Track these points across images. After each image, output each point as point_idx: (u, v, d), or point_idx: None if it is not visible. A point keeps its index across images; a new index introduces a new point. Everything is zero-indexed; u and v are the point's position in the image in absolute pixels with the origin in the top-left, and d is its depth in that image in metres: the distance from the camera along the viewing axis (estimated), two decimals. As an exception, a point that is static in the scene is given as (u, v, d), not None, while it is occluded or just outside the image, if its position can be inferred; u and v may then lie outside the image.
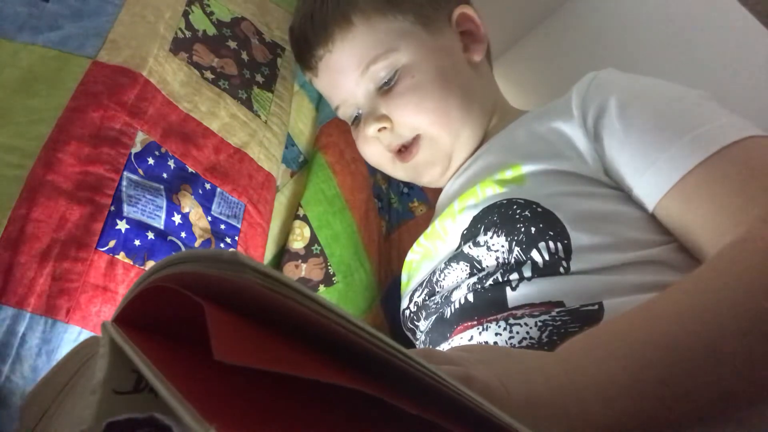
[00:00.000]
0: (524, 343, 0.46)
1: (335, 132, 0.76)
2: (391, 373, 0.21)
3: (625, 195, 0.52)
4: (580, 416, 0.33)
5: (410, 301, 0.64)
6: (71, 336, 0.45)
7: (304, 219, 0.70)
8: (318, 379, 0.19)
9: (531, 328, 0.46)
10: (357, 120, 0.70)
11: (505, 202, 0.54)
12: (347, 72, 0.66)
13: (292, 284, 0.19)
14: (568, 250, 0.49)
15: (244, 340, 0.20)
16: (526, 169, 0.56)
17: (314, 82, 0.73)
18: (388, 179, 0.80)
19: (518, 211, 0.53)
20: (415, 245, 0.66)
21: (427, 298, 0.61)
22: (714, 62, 0.77)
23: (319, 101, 0.80)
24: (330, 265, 0.69)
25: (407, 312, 0.64)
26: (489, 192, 0.57)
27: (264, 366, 0.18)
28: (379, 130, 0.66)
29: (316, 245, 0.69)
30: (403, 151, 0.67)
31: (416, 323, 0.62)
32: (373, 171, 0.78)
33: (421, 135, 0.66)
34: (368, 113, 0.67)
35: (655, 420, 0.33)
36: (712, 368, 0.34)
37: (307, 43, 0.69)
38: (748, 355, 0.34)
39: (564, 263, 0.49)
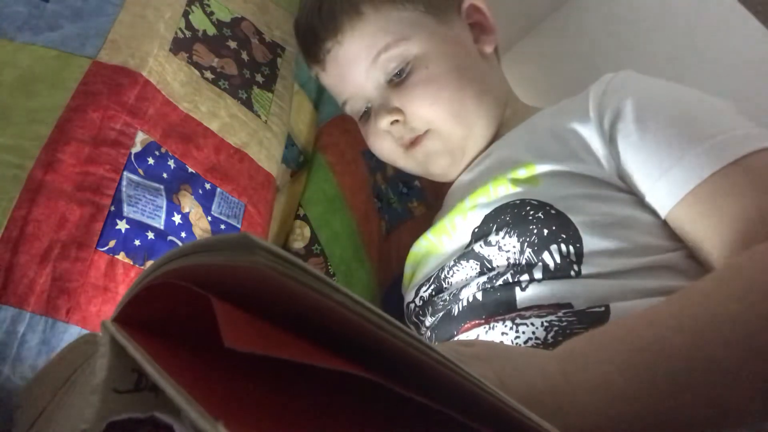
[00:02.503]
0: (530, 343, 0.46)
1: (335, 132, 0.76)
2: (395, 363, 0.21)
3: (639, 199, 0.52)
4: (576, 416, 0.33)
5: (416, 295, 0.63)
6: (71, 336, 0.45)
7: (304, 219, 0.70)
8: (323, 366, 0.19)
9: (537, 328, 0.46)
10: (366, 115, 0.69)
11: (518, 202, 0.54)
12: (357, 63, 0.65)
13: (304, 266, 0.18)
14: (579, 254, 0.49)
15: (252, 329, 0.20)
16: (540, 169, 0.55)
17: (321, 77, 0.72)
18: (388, 179, 0.80)
19: (531, 212, 0.53)
20: (421, 238, 0.66)
21: (434, 294, 0.60)
22: (714, 62, 0.77)
23: (319, 101, 0.80)
24: (330, 265, 0.69)
25: (412, 306, 0.64)
26: (502, 191, 0.56)
27: (275, 353, 0.18)
28: (392, 123, 0.64)
29: (316, 245, 0.69)
30: (413, 142, 0.66)
31: (421, 318, 0.62)
32: (373, 171, 0.78)
33: (432, 130, 0.65)
34: (380, 106, 0.65)
35: (650, 425, 0.33)
36: (708, 378, 0.33)
37: (315, 36, 0.67)
38: (747, 368, 0.34)
39: (575, 267, 0.49)
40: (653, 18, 0.84)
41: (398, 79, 0.64)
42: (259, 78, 0.69)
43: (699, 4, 0.79)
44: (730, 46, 0.76)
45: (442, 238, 0.62)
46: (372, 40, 0.63)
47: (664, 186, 0.49)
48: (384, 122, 0.64)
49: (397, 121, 0.64)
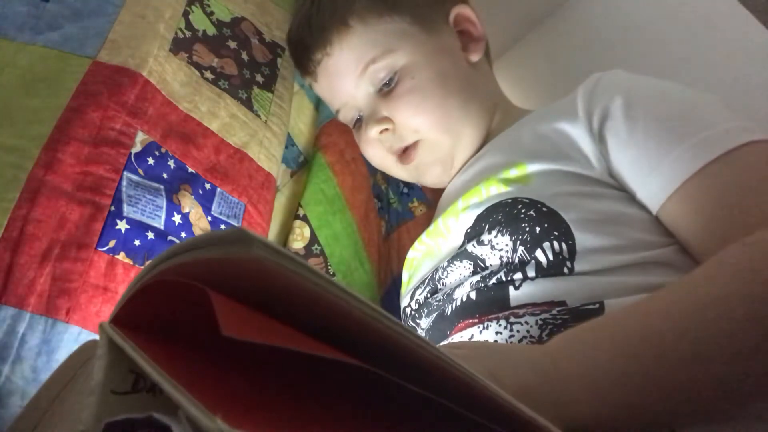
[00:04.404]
0: (524, 342, 0.47)
1: (335, 132, 0.77)
2: (388, 358, 0.21)
3: (630, 196, 0.52)
4: (568, 407, 0.33)
5: (412, 298, 0.64)
6: (71, 336, 0.45)
7: (304, 219, 0.70)
8: (324, 355, 0.19)
9: (531, 326, 0.47)
10: (358, 123, 0.71)
11: (510, 201, 0.54)
12: (346, 74, 0.67)
13: (301, 261, 0.18)
14: (572, 251, 0.49)
15: (250, 318, 0.20)
16: (531, 168, 0.55)
17: (314, 87, 0.74)
18: (388, 179, 0.80)
19: (523, 211, 0.53)
20: (416, 243, 0.66)
21: (429, 295, 0.60)
22: (714, 62, 0.77)
23: (319, 101, 0.80)
24: (330, 265, 0.69)
25: (408, 310, 0.64)
26: (493, 191, 0.57)
27: (272, 342, 0.18)
28: (381, 132, 0.66)
29: (316, 245, 0.69)
30: (404, 153, 0.67)
31: (417, 321, 0.62)
32: (373, 171, 0.78)
33: (421, 140, 0.66)
34: (369, 115, 0.67)
35: (642, 413, 0.34)
36: (698, 366, 0.34)
37: (305, 48, 0.69)
38: (737, 355, 0.34)
39: (568, 264, 0.49)
40: (652, 19, 0.84)
41: (387, 89, 0.65)
42: (259, 78, 0.69)
43: (698, 4, 0.79)
44: (729, 46, 0.76)
45: (438, 241, 0.62)
46: (360, 53, 0.65)
47: (654, 182, 0.49)
48: (373, 131, 0.66)
49: (386, 129, 0.66)
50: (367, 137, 0.67)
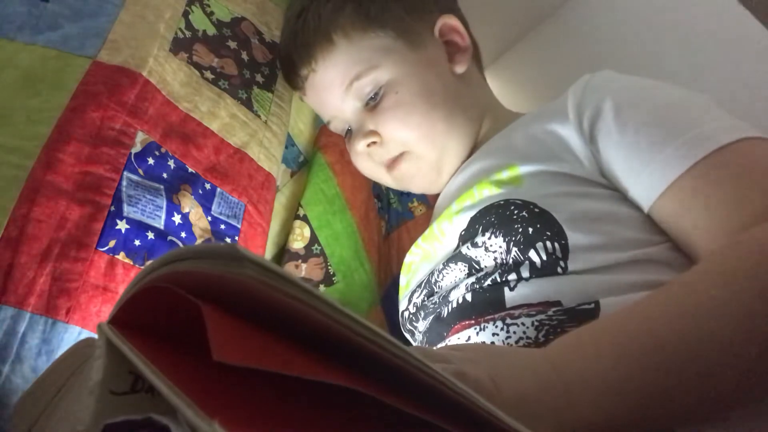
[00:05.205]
0: (521, 343, 0.47)
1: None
2: (386, 370, 0.21)
3: (622, 195, 0.52)
4: (569, 412, 0.33)
5: (409, 302, 0.64)
6: (71, 336, 0.46)
7: (304, 219, 0.70)
8: (316, 379, 0.19)
9: (528, 327, 0.47)
10: (349, 134, 0.72)
11: (502, 202, 0.55)
12: (332, 90, 0.67)
13: (293, 278, 0.18)
14: (565, 250, 0.49)
15: (243, 340, 0.20)
16: (523, 170, 0.56)
17: (305, 100, 0.75)
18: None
19: (516, 212, 0.53)
20: (413, 247, 0.67)
21: (426, 298, 0.61)
22: (714, 62, 0.77)
23: (320, 101, 0.80)
24: (330, 265, 0.70)
25: (406, 313, 0.64)
26: (486, 193, 0.57)
27: (263, 366, 0.18)
28: (369, 145, 0.67)
29: (316, 245, 0.69)
30: (391, 164, 0.68)
31: (415, 324, 0.62)
32: (373, 171, 0.78)
33: (406, 152, 0.67)
34: (357, 129, 0.68)
35: (643, 417, 0.34)
36: (698, 368, 0.34)
37: (292, 64, 0.70)
38: (735, 356, 0.34)
39: (561, 263, 0.49)
40: (651, 20, 0.84)
41: (374, 103, 0.66)
42: (259, 78, 0.70)
43: (698, 4, 0.79)
44: (729, 46, 0.76)
45: (434, 244, 0.63)
46: (344, 69, 0.66)
47: (646, 180, 0.49)
48: (361, 145, 0.67)
49: (374, 142, 0.66)
50: (355, 150, 0.68)
